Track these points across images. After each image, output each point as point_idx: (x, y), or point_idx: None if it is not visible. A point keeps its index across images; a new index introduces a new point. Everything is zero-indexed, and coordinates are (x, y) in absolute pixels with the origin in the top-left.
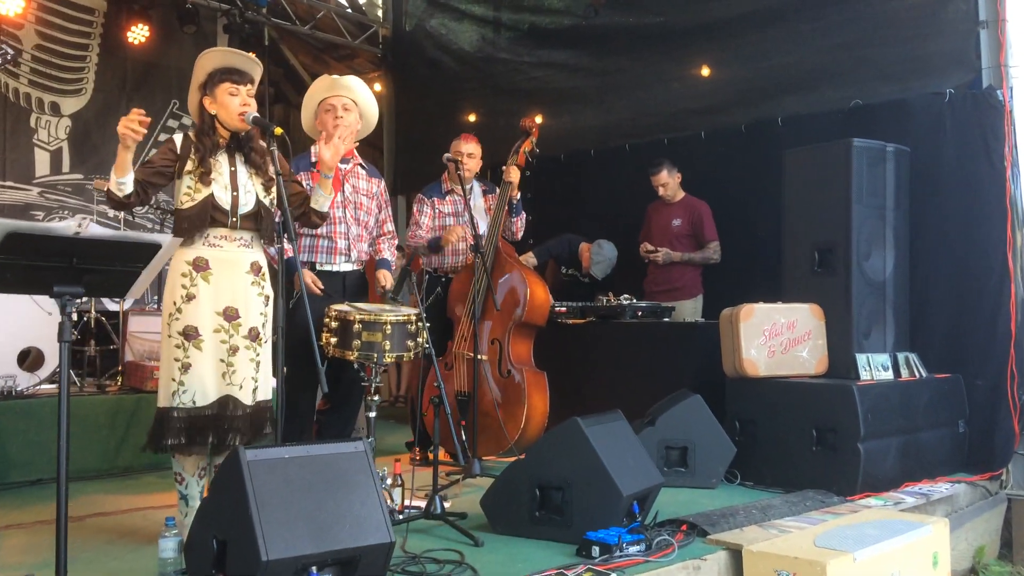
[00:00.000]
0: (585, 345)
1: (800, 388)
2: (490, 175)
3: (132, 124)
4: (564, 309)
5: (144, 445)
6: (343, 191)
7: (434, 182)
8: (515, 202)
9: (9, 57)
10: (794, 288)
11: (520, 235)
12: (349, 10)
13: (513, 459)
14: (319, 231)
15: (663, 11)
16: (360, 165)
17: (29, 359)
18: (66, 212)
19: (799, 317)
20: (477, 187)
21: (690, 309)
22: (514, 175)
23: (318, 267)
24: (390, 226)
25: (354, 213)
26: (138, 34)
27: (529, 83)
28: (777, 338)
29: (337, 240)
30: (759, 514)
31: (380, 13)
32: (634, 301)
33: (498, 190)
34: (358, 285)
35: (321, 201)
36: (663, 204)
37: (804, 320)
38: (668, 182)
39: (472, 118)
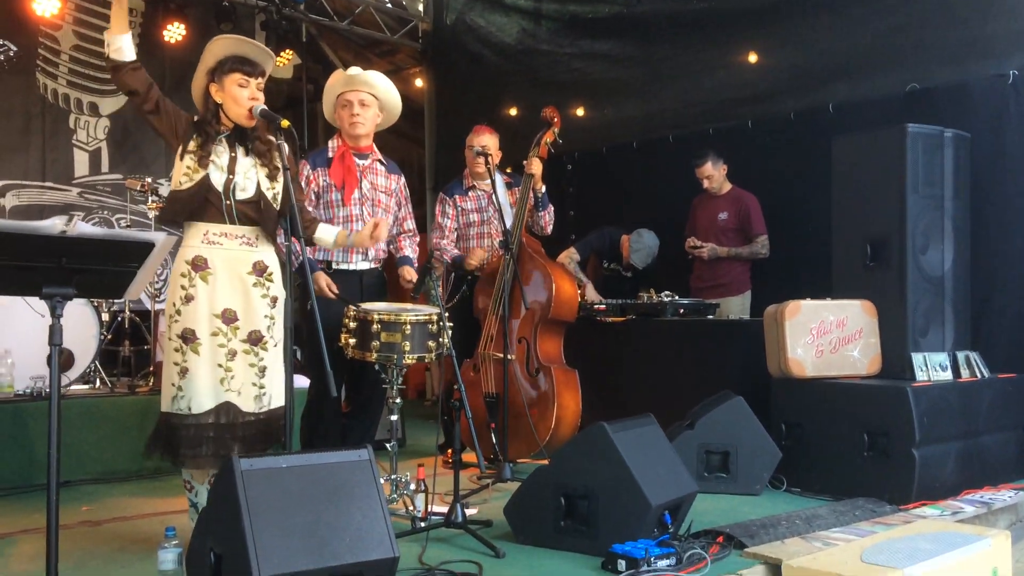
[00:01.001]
0: (625, 344)
1: (850, 389)
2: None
3: None
4: (603, 307)
5: (143, 451)
6: (360, 188)
7: (454, 179)
8: (540, 195)
9: (12, 54)
10: (845, 284)
11: (549, 229)
12: (388, 4)
13: (546, 461)
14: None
15: None
16: (379, 161)
17: (60, 360)
18: (106, 212)
19: (850, 314)
20: (500, 180)
21: (737, 306)
22: (536, 167)
23: (334, 266)
24: (411, 224)
25: (371, 211)
26: (175, 33)
27: (570, 75)
28: (825, 336)
29: None
30: (803, 525)
31: (420, 7)
32: (675, 298)
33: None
34: (376, 284)
35: (326, 245)
36: (709, 197)
37: (855, 317)
38: (713, 174)
39: (513, 111)
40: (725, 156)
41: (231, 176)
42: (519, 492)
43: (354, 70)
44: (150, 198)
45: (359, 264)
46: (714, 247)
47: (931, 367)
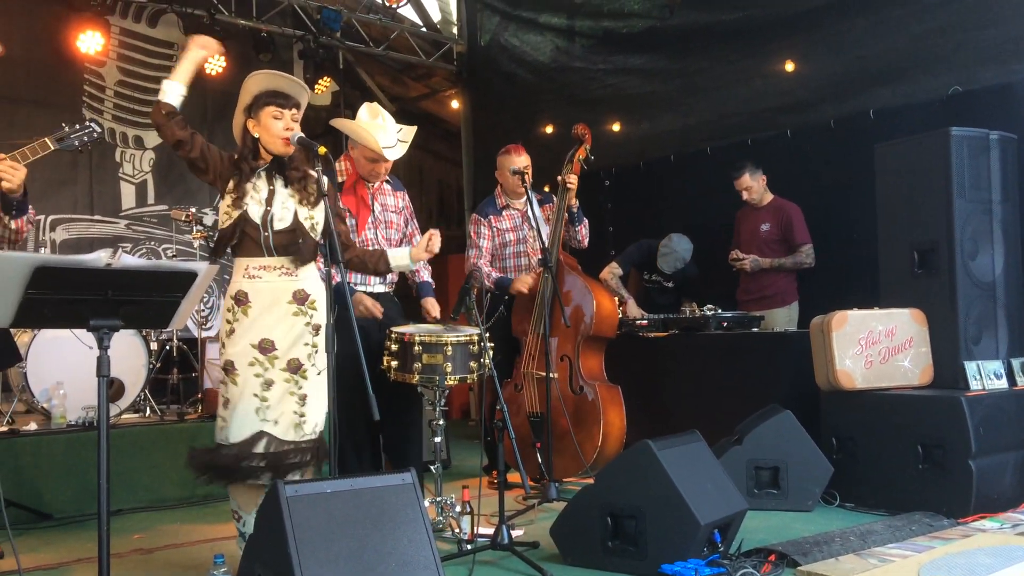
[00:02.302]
0: (668, 359)
1: (903, 401)
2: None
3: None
4: (645, 322)
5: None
6: (373, 211)
7: (487, 199)
8: (575, 211)
9: (96, 135)
10: (893, 292)
11: (586, 242)
12: (423, 28)
13: (592, 480)
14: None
15: (742, 6)
16: (386, 181)
17: (111, 390)
18: (152, 243)
19: (899, 323)
20: (533, 198)
21: (784, 318)
22: (573, 180)
23: (354, 288)
24: (419, 238)
25: (385, 233)
26: (215, 64)
27: (605, 91)
28: (875, 347)
29: None
30: (858, 541)
31: (455, 30)
32: (719, 311)
33: (555, 199)
34: (394, 310)
35: (406, 267)
36: (751, 209)
37: (905, 326)
38: (751, 186)
39: (549, 129)
40: (765, 166)
41: (268, 208)
42: (565, 512)
43: (389, 142)
44: (195, 228)
45: (376, 287)
46: (756, 259)
47: (985, 375)
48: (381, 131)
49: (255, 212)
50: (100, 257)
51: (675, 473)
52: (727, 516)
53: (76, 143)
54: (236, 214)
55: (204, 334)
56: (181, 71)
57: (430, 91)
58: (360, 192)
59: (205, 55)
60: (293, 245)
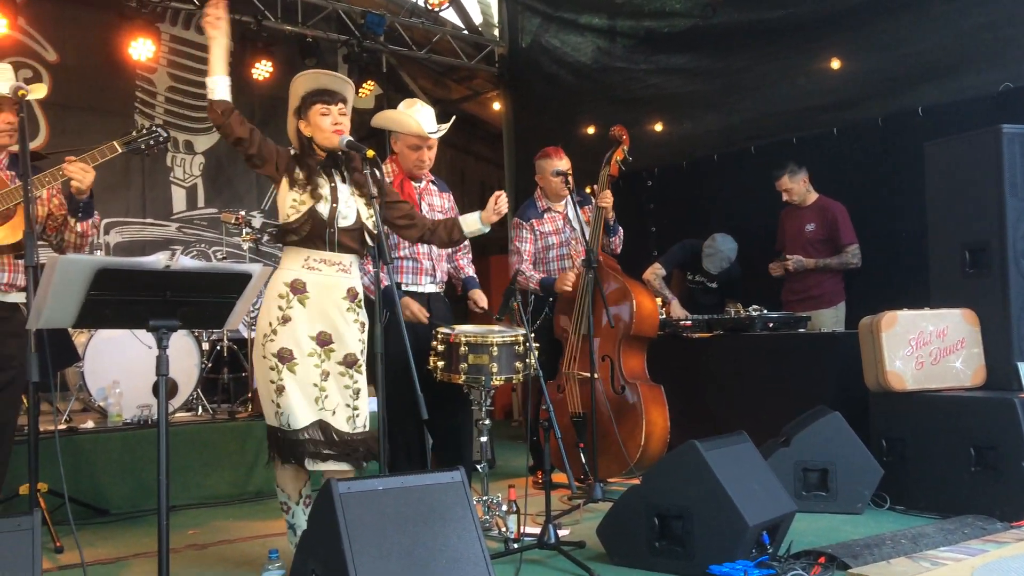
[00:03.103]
0: (712, 360)
1: (954, 402)
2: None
3: (211, 10)
4: (689, 323)
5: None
6: (421, 210)
7: (527, 202)
8: (611, 223)
9: (163, 139)
10: (943, 292)
11: (619, 249)
12: (465, 31)
13: (637, 480)
14: (403, 252)
15: (786, 4)
16: (431, 182)
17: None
18: (203, 245)
19: (950, 324)
20: (571, 200)
21: (830, 318)
22: (608, 199)
23: (404, 288)
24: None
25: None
26: (262, 70)
27: (647, 90)
28: (925, 348)
29: (422, 260)
30: (909, 544)
31: (496, 32)
32: (764, 312)
33: (593, 202)
34: (443, 309)
35: (477, 230)
36: (795, 209)
37: (956, 327)
38: (791, 187)
39: (591, 130)
40: (810, 165)
41: (335, 205)
42: (612, 512)
43: (428, 122)
44: (244, 230)
45: (427, 287)
46: (799, 259)
47: None
48: (420, 115)
49: (322, 208)
50: (159, 259)
51: (722, 473)
52: (776, 517)
53: (143, 146)
54: (306, 208)
55: (253, 334)
56: (215, 60)
57: (472, 93)
58: (407, 191)
59: (224, 26)
60: (355, 243)
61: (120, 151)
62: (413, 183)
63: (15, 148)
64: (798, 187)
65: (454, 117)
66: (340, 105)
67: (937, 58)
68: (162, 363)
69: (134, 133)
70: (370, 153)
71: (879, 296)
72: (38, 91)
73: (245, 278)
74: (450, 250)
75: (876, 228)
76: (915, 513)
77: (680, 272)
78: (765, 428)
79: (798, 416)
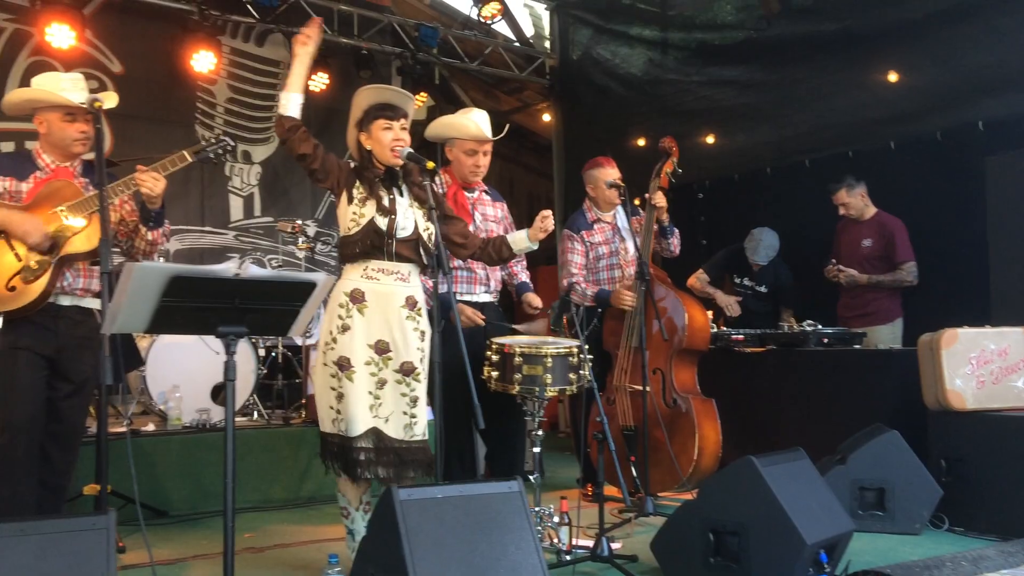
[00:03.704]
0: (765, 376)
1: (1017, 423)
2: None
3: (299, 38)
4: (741, 337)
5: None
6: (475, 221)
7: (575, 213)
8: (666, 224)
9: (230, 147)
10: (1005, 310)
11: (678, 251)
12: (516, 43)
13: (689, 494)
14: (457, 262)
15: (842, 16)
16: (485, 191)
17: (222, 394)
18: (258, 253)
19: (1012, 342)
20: (620, 210)
21: (887, 335)
22: (661, 199)
23: (458, 297)
24: None
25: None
26: (318, 82)
27: (698, 103)
28: (987, 366)
29: (476, 270)
30: (969, 566)
31: (547, 44)
32: (819, 327)
33: (642, 213)
34: (497, 318)
35: (526, 248)
36: (852, 222)
37: (1018, 345)
38: (848, 201)
39: (641, 142)
40: (866, 179)
41: (394, 216)
42: (666, 527)
43: (485, 124)
44: (300, 239)
45: (481, 296)
46: (853, 274)
47: None
48: (477, 119)
49: (381, 220)
50: (229, 267)
51: (779, 490)
52: (833, 536)
53: (212, 155)
54: (365, 220)
55: (308, 342)
56: (295, 77)
57: (522, 104)
58: (460, 201)
59: (311, 52)
60: (414, 254)
61: (190, 160)
62: (466, 193)
63: (89, 156)
64: (855, 201)
65: (508, 126)
66: (402, 120)
67: (999, 72)
68: (230, 369)
69: (203, 143)
70: (430, 165)
71: (938, 313)
72: (110, 100)
73: (310, 287)
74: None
75: (935, 244)
76: (975, 535)
77: (727, 277)
78: (819, 445)
79: (853, 434)
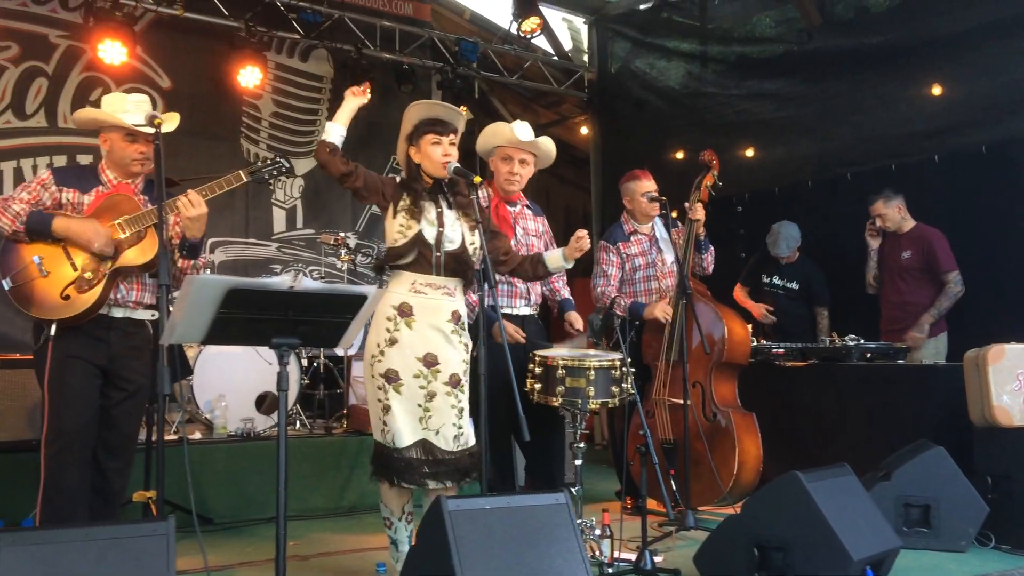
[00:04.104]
0: (806, 390)
1: None
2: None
3: (355, 90)
4: (782, 351)
5: (369, 476)
6: (515, 235)
7: (613, 225)
8: (702, 239)
9: (284, 168)
10: None
11: (711, 269)
12: (555, 57)
13: (729, 509)
14: (497, 276)
15: (884, 30)
16: (526, 206)
17: (266, 403)
18: (300, 265)
19: None
20: (658, 221)
21: (930, 350)
22: (700, 213)
23: (499, 310)
24: None
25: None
26: None
27: (737, 116)
28: None
29: (516, 283)
30: None
31: (585, 58)
32: (861, 342)
33: (680, 226)
34: (538, 331)
35: (555, 266)
36: (892, 235)
37: None
38: (885, 212)
39: (679, 155)
40: (910, 192)
41: (441, 229)
42: (709, 541)
43: (523, 131)
44: (342, 251)
45: (522, 309)
46: (919, 336)
47: None
48: (516, 126)
49: (428, 233)
50: (284, 280)
51: (825, 506)
52: (880, 552)
53: (266, 175)
54: (412, 232)
55: (349, 352)
56: (341, 114)
57: (559, 118)
58: (502, 214)
59: (360, 102)
60: (460, 267)
61: (245, 180)
62: (508, 206)
63: (149, 168)
64: (892, 213)
65: (549, 139)
66: (451, 136)
67: None
68: (283, 379)
69: (258, 163)
70: (477, 179)
71: (982, 328)
72: (171, 121)
73: (361, 299)
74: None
75: (980, 258)
76: (1021, 552)
77: (758, 280)
78: (861, 461)
79: (896, 450)
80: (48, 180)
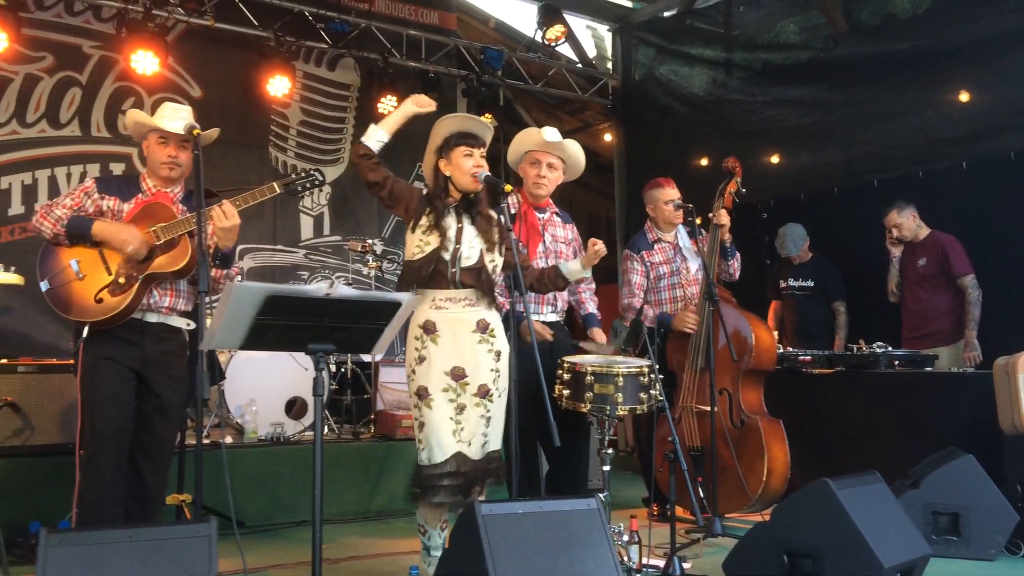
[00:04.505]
0: (833, 397)
1: None
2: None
3: (420, 100)
4: (808, 358)
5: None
6: (544, 241)
7: (637, 234)
8: (727, 245)
9: (318, 181)
10: None
11: (737, 275)
12: (579, 65)
13: (757, 516)
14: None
15: (911, 37)
16: (556, 213)
17: (295, 408)
18: (327, 271)
19: None
20: (682, 229)
21: (948, 357)
22: (724, 218)
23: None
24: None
25: (555, 262)
26: (387, 104)
27: (762, 122)
28: None
29: None
30: None
31: (609, 65)
32: (889, 349)
33: (704, 234)
34: (564, 338)
35: (578, 275)
36: (908, 245)
37: None
38: (900, 223)
39: (704, 161)
40: (937, 200)
41: (458, 246)
42: (739, 548)
43: (551, 133)
44: (370, 258)
45: (548, 315)
46: (973, 347)
47: None
48: (544, 129)
49: (446, 249)
50: (320, 287)
51: (855, 513)
52: (910, 560)
53: (299, 188)
54: (430, 248)
55: (377, 358)
56: (389, 120)
57: (583, 125)
58: (531, 221)
59: (416, 111)
60: (477, 281)
61: (278, 192)
62: (537, 212)
63: (179, 174)
64: (907, 222)
65: (576, 143)
66: (481, 149)
67: None
68: (319, 384)
69: (292, 175)
70: (508, 188)
71: (1010, 335)
72: (210, 134)
73: (395, 306)
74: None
75: (1008, 265)
76: None
77: (777, 286)
78: (889, 469)
79: (923, 458)
80: (91, 188)
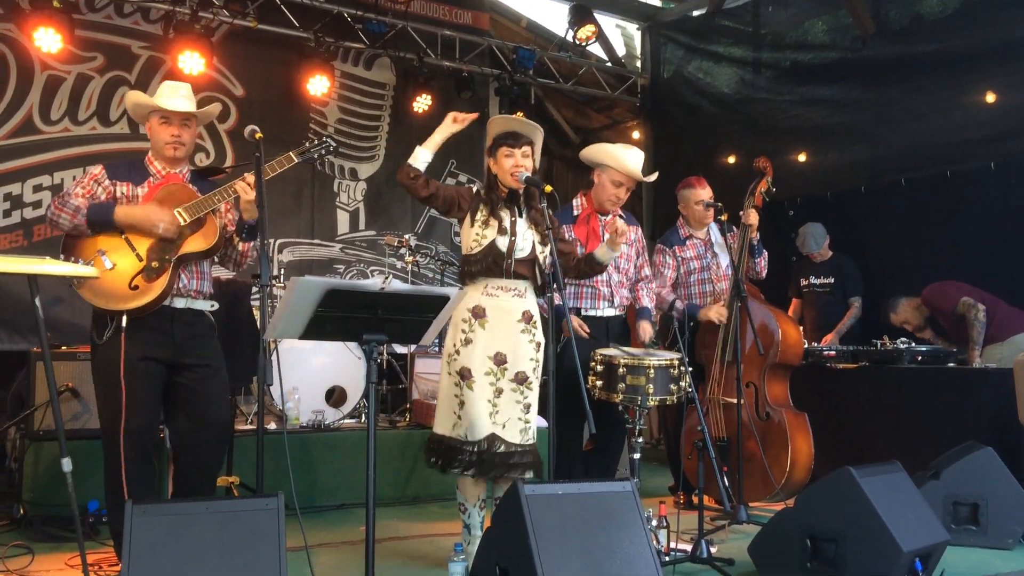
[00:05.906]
0: (857, 391)
1: None
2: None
3: (459, 117)
4: (833, 353)
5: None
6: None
7: (670, 230)
8: (755, 243)
9: (332, 148)
10: None
11: (764, 273)
12: (609, 63)
13: (780, 505)
14: (583, 280)
15: (939, 37)
16: (620, 216)
17: (335, 396)
18: (362, 265)
19: None
20: (714, 226)
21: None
22: (753, 218)
23: (583, 312)
24: (647, 271)
25: (615, 261)
26: (422, 103)
27: (790, 121)
28: None
29: (600, 287)
30: None
31: (638, 64)
32: (912, 345)
33: (735, 230)
34: (620, 331)
35: (606, 260)
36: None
37: None
38: (904, 318)
39: (731, 160)
40: (966, 199)
41: (513, 237)
42: (764, 532)
43: (637, 162)
44: (407, 253)
45: (605, 311)
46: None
47: None
48: (632, 156)
49: (501, 241)
50: (376, 282)
51: (877, 499)
52: (929, 545)
53: (315, 156)
54: (487, 241)
55: (412, 348)
56: (432, 140)
57: (611, 122)
58: (593, 225)
59: (457, 128)
60: (529, 272)
61: (296, 161)
62: (600, 216)
63: (183, 152)
64: (906, 312)
65: (657, 173)
66: (525, 148)
67: None
68: (372, 371)
69: (306, 144)
70: (548, 188)
71: None
72: (212, 110)
73: (443, 300)
74: (632, 277)
75: None
76: None
77: (799, 285)
78: (911, 461)
79: (945, 451)
80: (100, 175)
